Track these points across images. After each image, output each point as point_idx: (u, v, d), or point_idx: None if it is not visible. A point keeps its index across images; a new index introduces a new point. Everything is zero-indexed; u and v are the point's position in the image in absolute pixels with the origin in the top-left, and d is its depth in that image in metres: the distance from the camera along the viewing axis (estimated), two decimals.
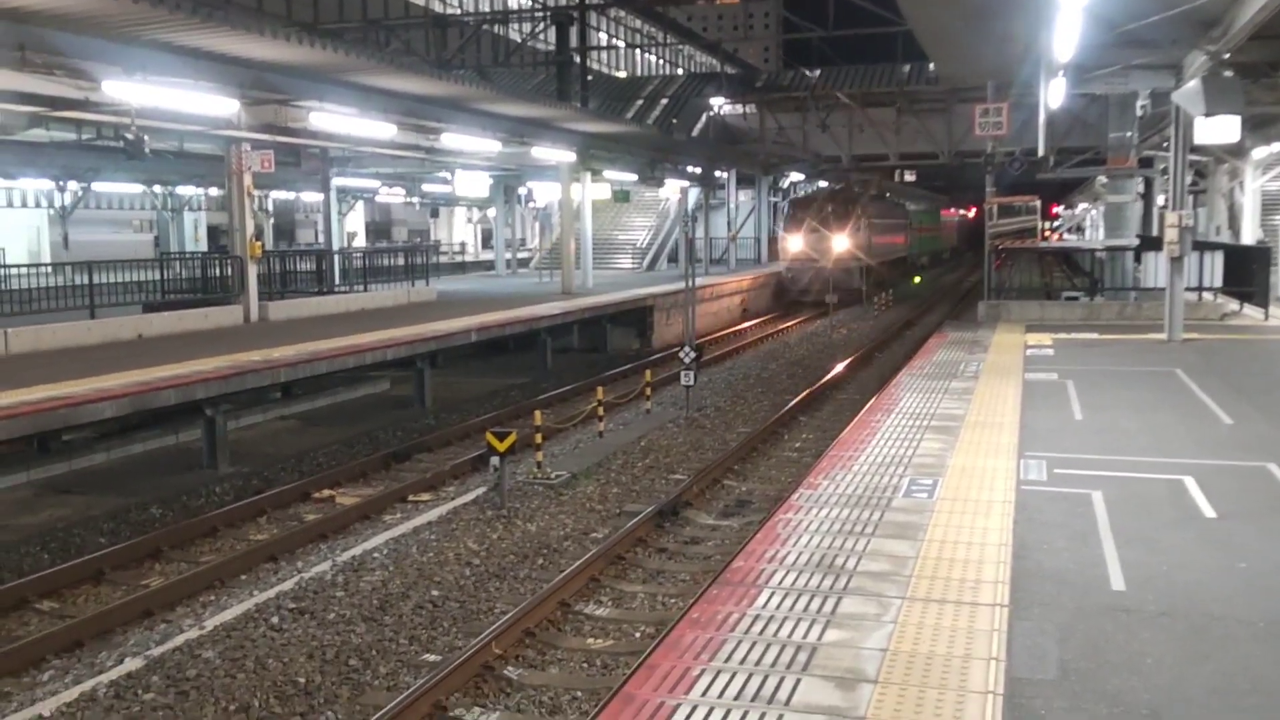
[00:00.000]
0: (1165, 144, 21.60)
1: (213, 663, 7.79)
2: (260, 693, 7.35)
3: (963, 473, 9.48)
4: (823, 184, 51.70)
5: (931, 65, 32.88)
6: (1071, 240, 62.54)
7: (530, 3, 43.26)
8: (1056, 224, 71.27)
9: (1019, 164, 27.64)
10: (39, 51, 13.26)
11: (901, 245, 49.82)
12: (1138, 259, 26.32)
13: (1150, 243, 25.17)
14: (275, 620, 8.58)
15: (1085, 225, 63.36)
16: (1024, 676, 5.40)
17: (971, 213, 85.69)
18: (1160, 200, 27.93)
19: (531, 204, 47.69)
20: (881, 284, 39.81)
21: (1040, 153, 22.67)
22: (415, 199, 44.15)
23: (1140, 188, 28.49)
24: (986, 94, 24.10)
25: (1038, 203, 49.64)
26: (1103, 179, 30.52)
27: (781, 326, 31.78)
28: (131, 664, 7.71)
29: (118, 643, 8.40)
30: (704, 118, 42.14)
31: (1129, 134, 23.04)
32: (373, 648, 8.17)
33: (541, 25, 39.02)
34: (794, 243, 37.57)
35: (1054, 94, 18.04)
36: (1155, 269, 24.22)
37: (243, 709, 7.13)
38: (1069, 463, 9.86)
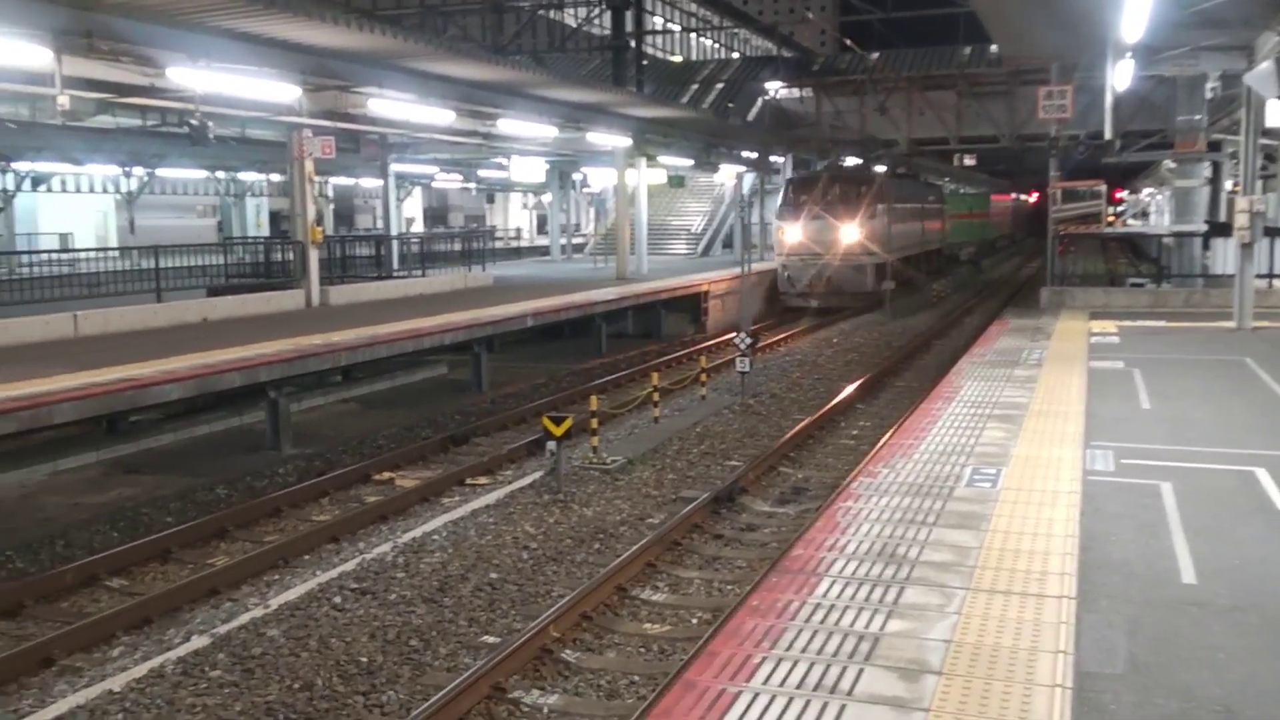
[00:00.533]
0: (1235, 127, 21.04)
1: (277, 641, 7.91)
2: (324, 671, 7.46)
3: (1027, 462, 9.34)
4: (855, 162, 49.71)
5: (994, 47, 32.31)
6: (1137, 226, 61.26)
7: None
8: (1121, 209, 69.89)
9: (1083, 148, 27.10)
10: (106, 39, 13.50)
11: (934, 234, 41.98)
12: (1206, 245, 25.71)
13: (1219, 228, 24.54)
14: (338, 600, 8.70)
15: (1151, 210, 62.06)
16: (1092, 670, 5.31)
17: (1033, 197, 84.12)
18: (1229, 185, 27.21)
19: (586, 189, 47.77)
20: (908, 282, 33.90)
21: (1106, 136, 22.21)
22: (472, 185, 44.43)
23: (1208, 172, 27.76)
24: (1050, 76, 23.63)
25: (1103, 187, 48.60)
26: (1170, 163, 29.84)
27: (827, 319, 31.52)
28: (198, 641, 7.86)
29: (185, 620, 8.56)
30: (759, 102, 41.84)
31: (1198, 117, 22.49)
32: (433, 628, 8.25)
33: (597, 10, 38.96)
34: (791, 233, 30.82)
35: (1121, 76, 17.66)
36: (1224, 255, 23.66)
37: (306, 687, 7.24)
38: (1137, 453, 9.67)
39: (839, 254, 29.98)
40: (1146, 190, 61.50)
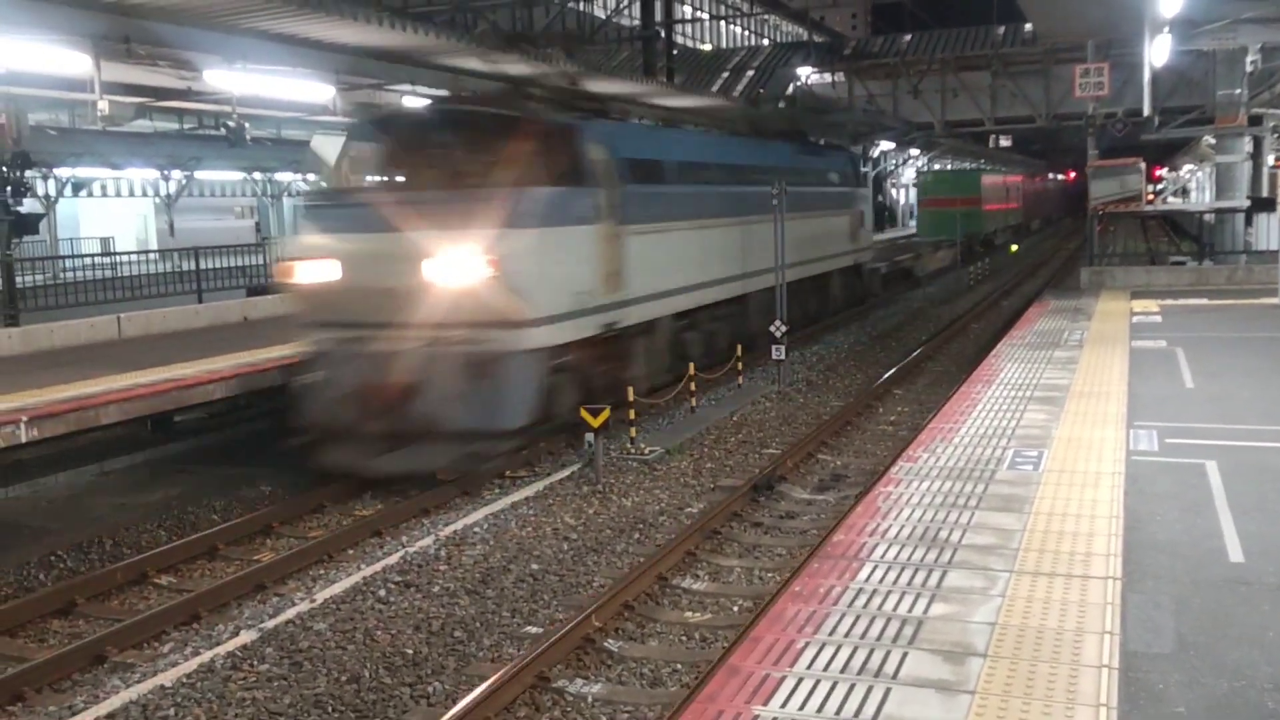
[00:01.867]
0: (1277, 101, 20.68)
1: (324, 634, 8.01)
2: (370, 663, 7.55)
3: (1069, 444, 9.25)
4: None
5: (1028, 25, 31.94)
6: (1177, 203, 60.36)
7: None
8: (1161, 187, 68.83)
9: (1121, 125, 26.74)
10: (143, 43, 13.68)
11: (837, 240, 23.84)
12: (1248, 221, 25.28)
13: (1261, 204, 24.12)
14: (382, 593, 8.79)
15: (1191, 187, 61.13)
16: (1139, 650, 5.27)
17: (1072, 176, 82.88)
18: (1271, 160, 26.75)
19: None
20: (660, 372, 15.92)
21: (1144, 113, 21.90)
22: None
23: (1250, 147, 27.28)
24: (1086, 54, 23.33)
25: (1141, 165, 47.68)
26: (1210, 139, 29.36)
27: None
28: (246, 636, 7.97)
29: (233, 615, 8.68)
30: (791, 88, 41.61)
31: (1238, 91, 22.13)
32: (476, 620, 8.31)
33: (626, 1, 38.92)
34: (315, 267, 12.10)
35: (1159, 51, 17.40)
36: (1267, 231, 23.27)
37: (354, 679, 7.33)
38: (1181, 432, 9.55)
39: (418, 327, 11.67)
40: (1187, 167, 60.60)
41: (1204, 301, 19.12)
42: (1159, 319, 17.02)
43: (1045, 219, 72.94)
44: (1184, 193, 60.50)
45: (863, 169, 28.09)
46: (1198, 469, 8.37)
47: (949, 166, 62.72)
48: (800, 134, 24.82)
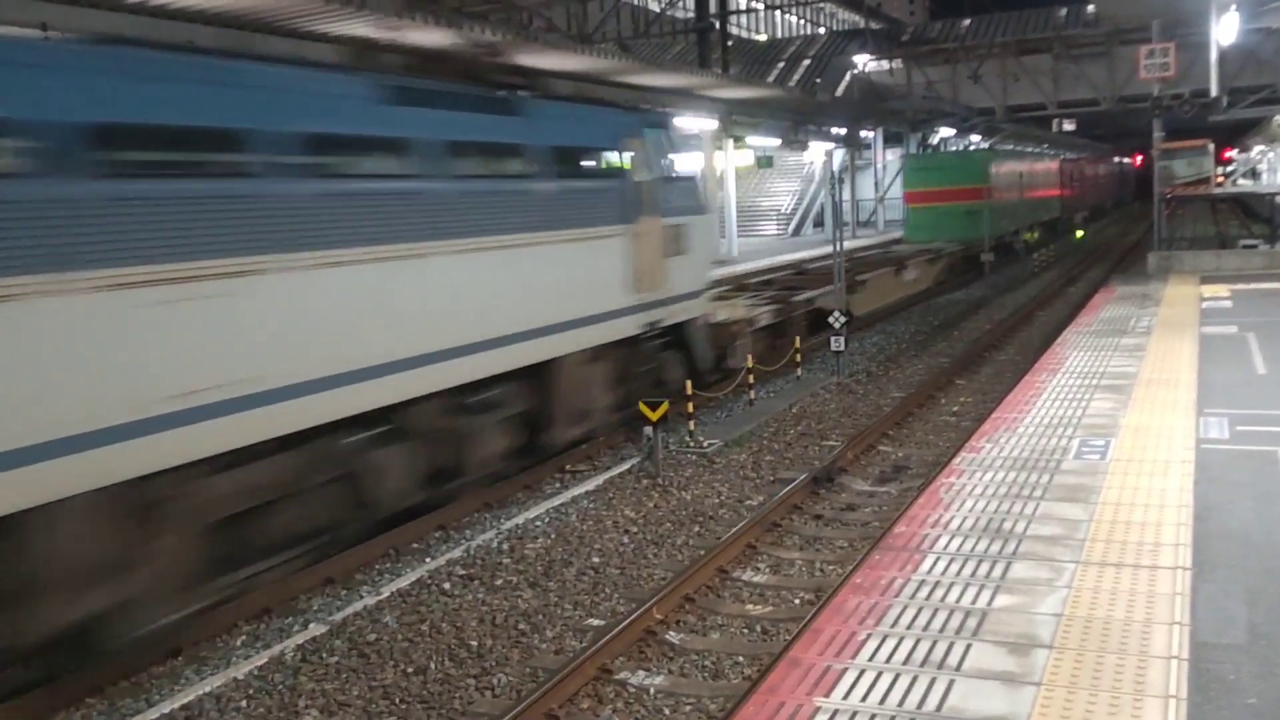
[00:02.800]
0: None
1: (390, 627, 8.15)
2: (436, 655, 7.66)
3: (1137, 432, 9.09)
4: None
5: (1091, 6, 31.34)
6: (1247, 185, 58.73)
7: None
8: (1230, 169, 67.09)
9: (1188, 107, 26.14)
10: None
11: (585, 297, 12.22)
12: None
13: None
14: (447, 586, 8.91)
15: (1263, 169, 59.56)
16: (1210, 641, 5.17)
17: (1138, 160, 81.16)
18: None
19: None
20: None
21: (1211, 94, 21.39)
22: None
23: None
24: (1150, 34, 22.83)
25: (1210, 147, 46.51)
26: None
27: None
28: (316, 629, 8.14)
29: (302, 609, 8.85)
30: (848, 76, 41.29)
31: None
32: (539, 612, 8.40)
33: None
34: None
35: (1225, 30, 16.98)
36: None
37: (420, 671, 7.45)
38: (1253, 419, 9.34)
39: None
40: (1258, 147, 59.05)
41: (1276, 285, 18.63)
42: (1229, 304, 16.62)
43: (1095, 209, 60.72)
44: (1254, 174, 58.94)
45: (676, 144, 14.77)
46: (1270, 456, 8.18)
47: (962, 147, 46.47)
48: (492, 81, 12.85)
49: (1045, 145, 57.14)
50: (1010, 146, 46.75)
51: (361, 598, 8.77)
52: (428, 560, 9.64)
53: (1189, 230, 37.21)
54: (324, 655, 7.70)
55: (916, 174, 34.51)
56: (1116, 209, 71.88)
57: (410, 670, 7.45)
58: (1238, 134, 61.60)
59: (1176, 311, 16.07)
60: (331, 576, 9.51)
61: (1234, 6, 16.21)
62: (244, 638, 8.34)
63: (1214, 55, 18.70)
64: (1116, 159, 75.26)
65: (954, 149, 45.14)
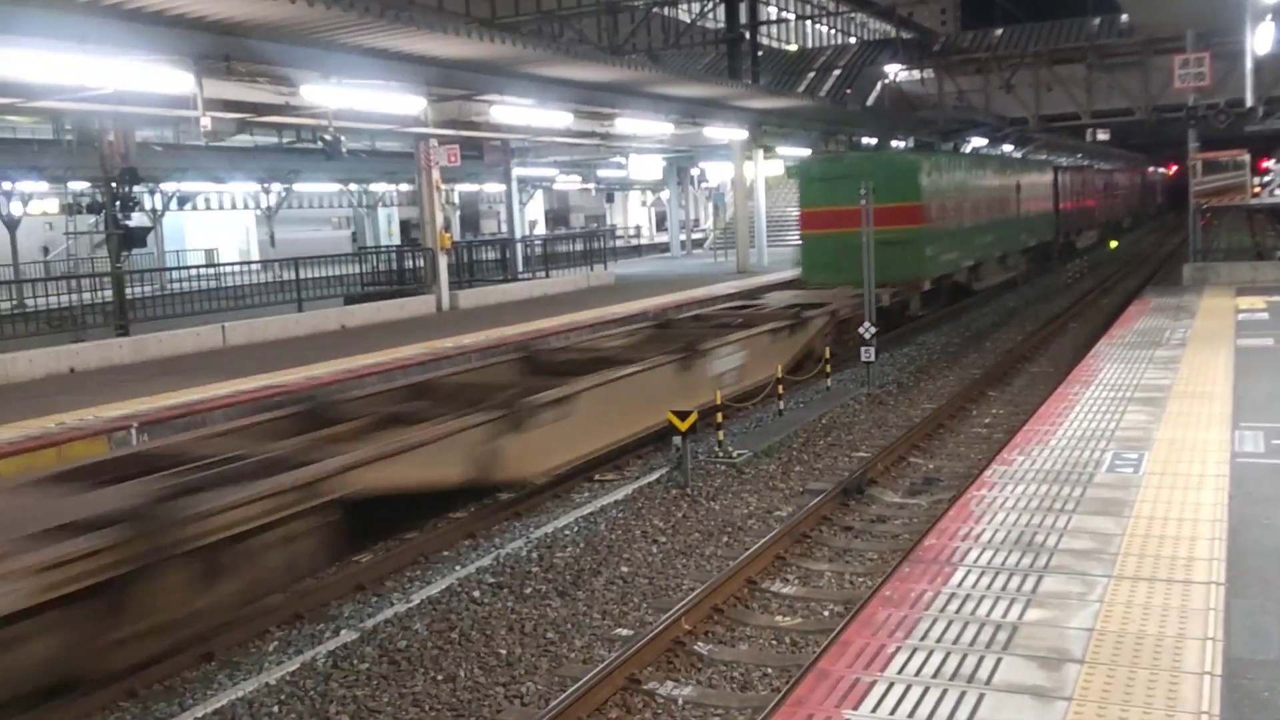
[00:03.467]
0: None
1: (420, 634, 8.20)
2: (465, 663, 7.70)
3: (1171, 445, 9.00)
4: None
5: (1124, 16, 31.11)
6: None
7: None
8: (1268, 179, 66.24)
9: (1224, 116, 25.89)
10: (243, 61, 14.16)
11: None
12: None
13: None
14: (476, 594, 8.96)
15: None
16: (1244, 657, 5.12)
17: (1172, 169, 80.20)
18: None
19: (704, 184, 47.78)
20: None
21: (1248, 104, 21.17)
22: (591, 185, 44.96)
23: None
24: (1185, 43, 22.64)
25: (1246, 157, 45.93)
26: None
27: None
28: (347, 635, 8.20)
29: (334, 616, 8.92)
30: (879, 86, 41.18)
31: None
32: (567, 621, 8.42)
33: (711, 4, 38.95)
34: None
35: (1262, 39, 16.82)
36: None
37: (449, 678, 7.49)
38: None
39: None
40: None
41: None
42: (1266, 316, 16.43)
43: (1109, 226, 49.82)
44: None
45: None
46: None
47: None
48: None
49: (1035, 147, 50.88)
50: (974, 148, 39.64)
51: (392, 605, 8.83)
52: (458, 568, 9.68)
53: (1225, 241, 36.80)
54: (355, 662, 7.76)
55: (813, 186, 23.29)
56: (1139, 226, 62.93)
57: (440, 678, 7.50)
58: (1277, 144, 60.79)
59: (1212, 324, 15.90)
60: (362, 583, 9.58)
61: (1270, 16, 16.05)
62: (276, 643, 8.42)
63: (1249, 65, 18.51)
64: (1137, 167, 67.37)
65: (872, 148, 36.02)
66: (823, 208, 22.57)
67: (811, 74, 42.88)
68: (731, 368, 14.61)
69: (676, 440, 12.04)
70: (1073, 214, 39.91)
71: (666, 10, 44.10)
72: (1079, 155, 59.49)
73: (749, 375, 15.03)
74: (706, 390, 13.29)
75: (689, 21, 41.45)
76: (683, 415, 11.96)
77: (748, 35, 37.02)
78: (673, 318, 17.75)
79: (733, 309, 18.82)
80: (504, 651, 7.88)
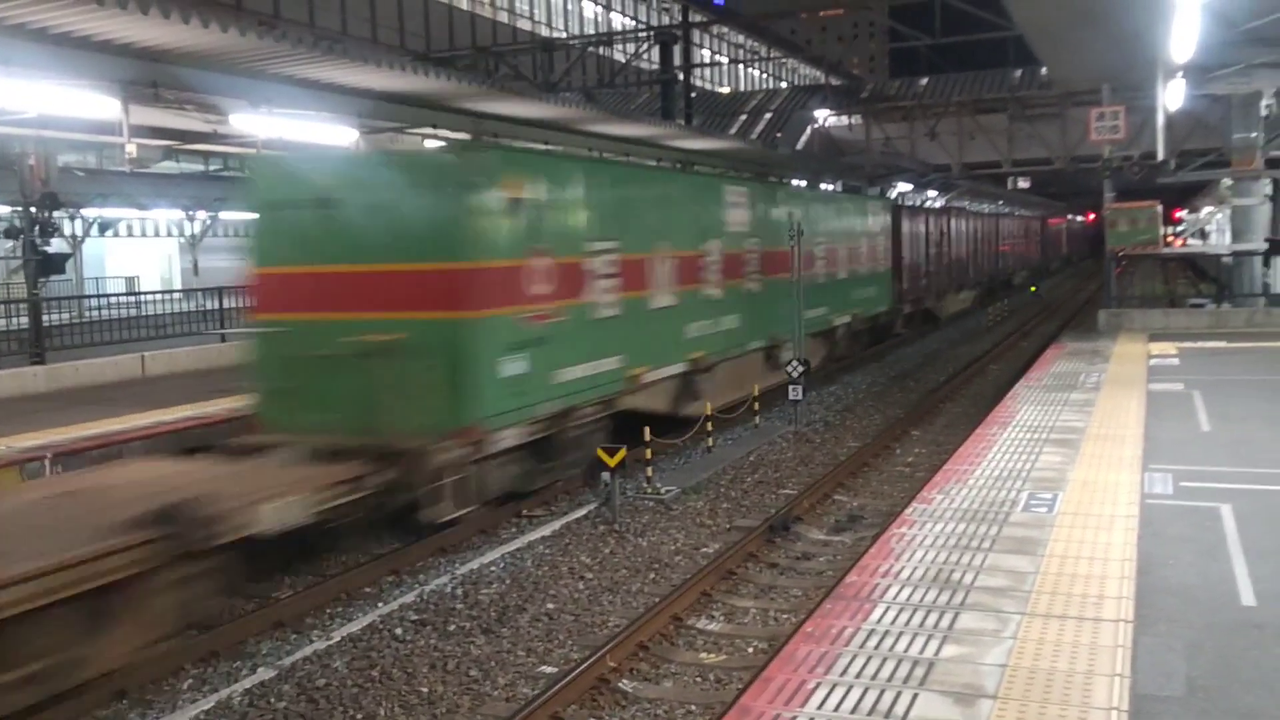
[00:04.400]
0: None
1: (340, 672, 8.07)
2: (386, 702, 7.60)
3: (1084, 487, 9.27)
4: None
5: (1044, 69, 32.17)
6: (1197, 245, 59.90)
7: (634, 24, 43.75)
8: (1180, 229, 68.67)
9: (1138, 168, 26.85)
10: (171, 88, 13.98)
11: None
12: (1266, 263, 25.27)
13: (1279, 246, 24.16)
14: (399, 631, 8.86)
15: (1211, 229, 61.06)
16: (1150, 693, 5.28)
17: (1091, 217, 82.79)
18: None
19: None
20: None
21: (1160, 157, 22.01)
22: None
23: (1269, 189, 27.32)
24: (1102, 97, 23.50)
25: (1158, 207, 47.57)
26: (1227, 181, 29.44)
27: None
28: (264, 673, 8.05)
29: (251, 653, 8.75)
30: (808, 130, 41.94)
31: (1254, 135, 22.23)
32: (491, 659, 8.36)
33: (646, 45, 39.44)
34: None
35: (1173, 96, 17.53)
36: None
37: (369, 717, 7.38)
38: (1196, 475, 9.56)
39: None
40: (1206, 209, 60.57)
41: (1222, 344, 19.09)
42: (1177, 361, 17.01)
43: (991, 286, 43.59)
44: (1203, 234, 60.32)
45: None
46: (1212, 513, 8.38)
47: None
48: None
49: (959, 194, 44.70)
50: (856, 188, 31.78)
51: (311, 641, 8.69)
52: (380, 605, 9.57)
53: (1139, 288, 38.03)
54: (272, 700, 7.61)
55: (275, 221, 11.77)
56: (1042, 278, 53.26)
57: (360, 717, 7.39)
58: (1189, 194, 63.12)
59: (1125, 368, 16.41)
60: (281, 619, 9.41)
61: (1180, 74, 16.75)
62: (190, 680, 8.23)
63: (1161, 120, 19.27)
64: (1035, 214, 58.68)
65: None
66: (295, 267, 11.53)
67: (744, 116, 43.54)
68: None
69: (605, 476, 12.06)
70: (930, 273, 31.66)
71: (602, 50, 44.55)
72: (999, 201, 60.97)
73: None
74: None
75: (624, 61, 41.91)
76: (611, 451, 12.00)
77: (681, 77, 37.49)
78: None
79: None
80: (425, 690, 7.79)
